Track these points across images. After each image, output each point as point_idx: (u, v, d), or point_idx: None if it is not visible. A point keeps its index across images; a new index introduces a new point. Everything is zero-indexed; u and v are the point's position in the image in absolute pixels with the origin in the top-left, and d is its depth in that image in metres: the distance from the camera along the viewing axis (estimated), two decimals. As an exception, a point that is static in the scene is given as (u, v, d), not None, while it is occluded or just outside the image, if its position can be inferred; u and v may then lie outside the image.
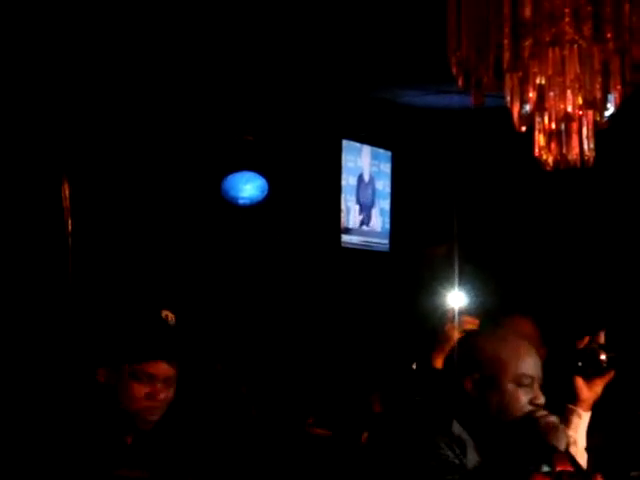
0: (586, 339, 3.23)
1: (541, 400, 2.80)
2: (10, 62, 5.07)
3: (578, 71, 2.18)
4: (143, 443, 3.13)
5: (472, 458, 2.74)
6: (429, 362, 3.60)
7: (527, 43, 2.17)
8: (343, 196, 6.87)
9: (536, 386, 2.82)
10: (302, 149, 6.65)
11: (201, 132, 6.22)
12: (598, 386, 3.20)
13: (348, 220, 6.93)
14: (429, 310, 3.83)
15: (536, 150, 2.29)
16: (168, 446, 3.19)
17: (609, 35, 2.15)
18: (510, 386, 2.78)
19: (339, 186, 6.85)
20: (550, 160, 2.28)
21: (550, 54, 2.18)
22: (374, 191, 7.18)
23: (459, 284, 3.75)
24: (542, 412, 2.78)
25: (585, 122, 2.25)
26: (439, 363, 3.57)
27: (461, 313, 3.61)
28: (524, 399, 2.77)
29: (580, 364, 3.21)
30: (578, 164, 2.27)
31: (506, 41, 2.17)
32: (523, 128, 2.26)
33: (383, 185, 7.24)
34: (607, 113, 2.24)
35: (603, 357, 3.19)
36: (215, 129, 6.29)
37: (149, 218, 5.94)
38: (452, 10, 2.23)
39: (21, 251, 5.28)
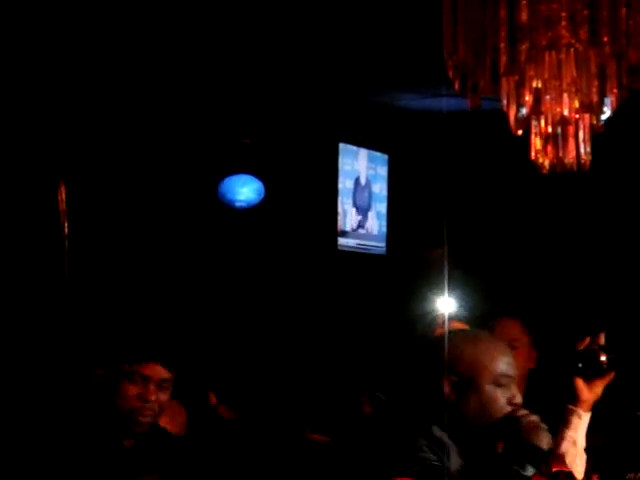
0: (587, 340, 3.23)
1: (519, 399, 2.80)
2: (7, 65, 5.06)
3: (574, 75, 2.19)
4: (142, 447, 3.12)
5: (454, 461, 2.74)
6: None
7: (523, 47, 2.17)
8: (340, 199, 6.87)
9: (513, 386, 2.83)
10: (299, 152, 6.65)
11: (198, 135, 6.22)
12: (598, 387, 3.21)
13: (345, 223, 6.93)
14: (419, 315, 3.83)
15: (532, 153, 2.29)
16: (167, 450, 3.19)
17: (605, 39, 2.15)
18: (488, 387, 2.78)
19: (336, 189, 6.85)
20: (546, 163, 2.28)
21: (546, 58, 2.18)
22: (371, 194, 7.18)
23: (449, 289, 3.75)
24: (522, 411, 2.78)
25: (581, 126, 2.25)
26: None
27: (451, 319, 3.61)
28: (503, 399, 2.78)
29: (580, 365, 3.21)
30: (574, 168, 2.28)
31: (502, 45, 2.18)
32: (519, 131, 2.27)
33: (380, 188, 7.24)
34: (603, 117, 2.25)
35: (603, 358, 3.19)
36: (212, 132, 6.29)
37: (146, 221, 5.94)
38: (448, 13, 2.24)
39: (17, 254, 5.27)
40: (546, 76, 2.19)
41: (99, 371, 3.12)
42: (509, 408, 2.77)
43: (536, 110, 2.23)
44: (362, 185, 7.10)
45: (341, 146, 6.88)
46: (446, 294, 3.71)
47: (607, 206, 6.49)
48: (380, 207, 7.25)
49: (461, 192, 6.77)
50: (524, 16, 2.16)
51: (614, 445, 3.61)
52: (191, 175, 6.20)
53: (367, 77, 6.13)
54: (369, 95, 6.62)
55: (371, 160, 7.17)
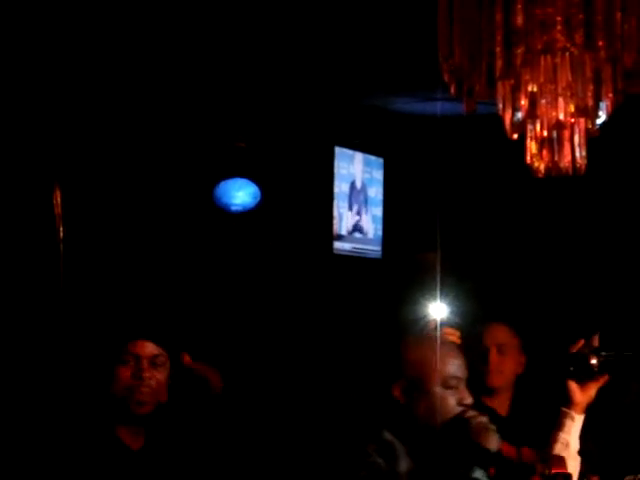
0: (580, 343, 3.24)
1: (469, 400, 2.81)
2: (2, 70, 5.06)
3: (570, 79, 2.19)
4: (150, 449, 3.12)
5: (404, 464, 2.74)
6: None
7: (519, 51, 2.17)
8: (335, 203, 6.87)
9: (463, 387, 2.83)
10: (294, 156, 6.65)
11: (193, 139, 6.22)
12: (591, 389, 3.21)
13: (340, 227, 6.93)
14: (411, 320, 3.83)
15: (528, 158, 2.30)
16: (174, 452, 3.18)
17: (601, 43, 2.16)
18: (438, 389, 2.78)
19: (331, 193, 6.85)
20: (542, 168, 2.29)
21: (542, 62, 2.18)
22: (366, 198, 7.18)
23: (442, 294, 3.75)
24: (472, 413, 2.78)
25: (577, 130, 2.26)
26: None
27: (443, 324, 3.61)
28: (452, 401, 2.78)
29: (572, 368, 3.22)
30: (570, 172, 2.28)
31: (498, 49, 2.18)
32: (515, 135, 2.27)
33: (375, 192, 7.24)
34: (599, 121, 2.25)
35: (594, 361, 3.20)
36: (207, 136, 6.29)
37: (141, 224, 5.93)
38: (443, 17, 2.24)
39: (12, 258, 5.26)
40: (541, 80, 2.19)
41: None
42: (459, 409, 2.77)
43: (531, 114, 2.23)
44: (358, 189, 7.10)
45: (337, 150, 6.88)
46: (438, 299, 3.71)
47: (602, 211, 6.49)
48: (376, 211, 7.25)
49: (456, 196, 6.78)
50: (520, 20, 2.16)
51: (612, 447, 3.62)
52: (187, 179, 6.20)
53: (363, 81, 6.14)
54: (365, 99, 6.62)
55: (367, 164, 7.17)
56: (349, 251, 7.01)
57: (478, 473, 2.73)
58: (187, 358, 3.33)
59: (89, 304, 5.39)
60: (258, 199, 6.44)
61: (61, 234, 5.37)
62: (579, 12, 2.14)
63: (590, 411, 3.25)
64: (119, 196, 5.83)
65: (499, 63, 2.18)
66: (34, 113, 5.35)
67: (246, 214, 6.44)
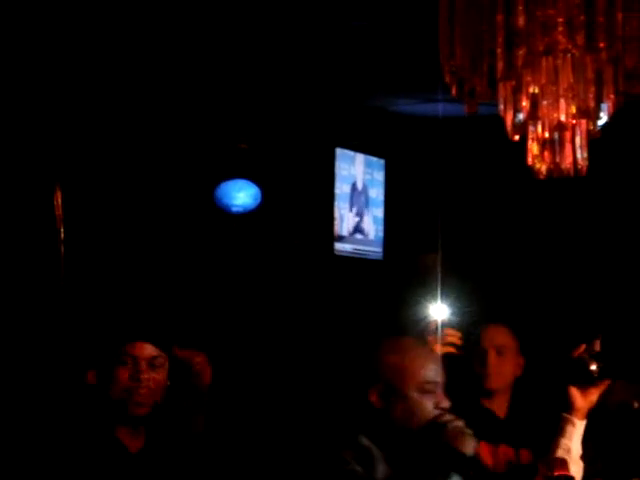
0: (582, 347, 3.23)
1: (446, 404, 2.80)
2: (3, 71, 5.06)
3: (571, 80, 2.19)
4: (149, 452, 3.12)
5: (382, 470, 2.73)
6: None
7: (520, 52, 2.17)
8: (336, 204, 6.87)
9: (440, 391, 2.81)
10: (295, 157, 6.65)
11: (195, 140, 6.22)
12: (593, 395, 3.20)
13: (341, 228, 6.93)
14: (412, 321, 3.82)
15: (529, 159, 2.30)
16: (173, 454, 3.18)
17: (602, 44, 2.16)
18: (414, 394, 2.77)
19: (332, 194, 6.85)
20: (543, 169, 2.29)
21: (543, 63, 2.18)
22: (367, 199, 7.18)
23: (444, 295, 3.74)
24: (448, 417, 2.77)
25: (578, 131, 2.26)
26: None
27: (444, 326, 3.60)
28: (429, 405, 2.77)
29: (571, 374, 3.21)
30: (571, 173, 2.28)
31: (499, 50, 2.18)
32: (516, 137, 2.27)
33: (376, 193, 7.24)
34: (600, 122, 2.25)
35: (593, 367, 3.19)
36: (209, 137, 6.29)
37: (142, 225, 5.93)
38: (445, 19, 2.24)
39: (13, 259, 5.26)
40: (543, 81, 2.19)
41: (92, 372, 3.12)
42: (435, 413, 2.76)
43: (533, 115, 2.23)
44: (359, 190, 7.10)
45: (338, 151, 6.88)
46: (439, 300, 3.71)
47: (603, 212, 6.49)
48: (377, 212, 7.24)
49: (457, 198, 6.78)
50: (521, 21, 2.16)
51: (617, 450, 3.61)
52: (188, 180, 6.20)
53: (364, 82, 6.14)
54: (366, 100, 6.62)
55: (368, 165, 7.17)
56: (350, 252, 7.01)
57: (455, 479, 2.73)
58: (176, 350, 3.32)
59: (89, 305, 5.39)
60: (259, 200, 6.44)
61: (62, 235, 5.37)
62: (580, 13, 2.14)
63: (591, 415, 3.25)
64: (120, 197, 5.82)
65: (500, 64, 2.18)
66: (35, 115, 5.35)
67: (247, 215, 6.44)
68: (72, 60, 5.15)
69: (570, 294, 6.33)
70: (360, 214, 7.11)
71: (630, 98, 2.25)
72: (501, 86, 2.22)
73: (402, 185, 7.27)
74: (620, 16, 2.16)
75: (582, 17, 2.14)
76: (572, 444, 3.16)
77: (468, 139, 6.59)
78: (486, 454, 3.66)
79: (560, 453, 3.14)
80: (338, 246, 6.90)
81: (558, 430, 3.19)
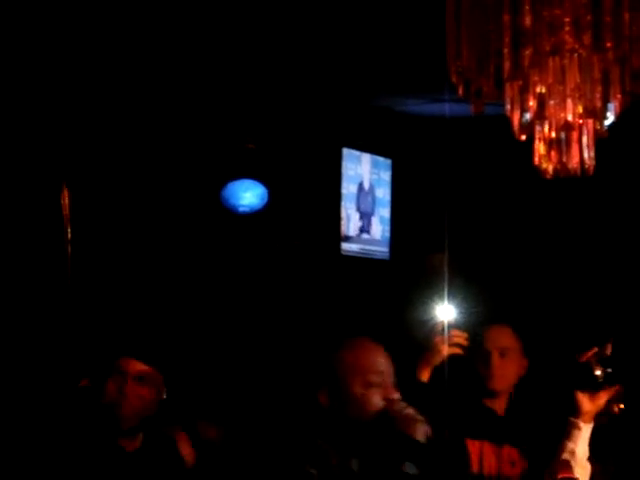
0: (593, 351, 3.22)
1: (394, 395, 2.79)
2: (10, 70, 5.07)
3: (578, 80, 2.19)
4: (144, 451, 3.13)
5: (356, 463, 2.73)
6: (415, 375, 3.58)
7: (527, 52, 2.17)
8: (343, 204, 6.87)
9: (388, 382, 2.81)
10: (302, 157, 6.65)
11: (202, 140, 6.22)
12: (600, 399, 3.20)
13: (348, 228, 6.93)
14: (418, 322, 3.81)
15: (536, 159, 2.29)
16: (170, 454, 3.19)
17: (609, 44, 2.15)
18: (360, 389, 2.78)
19: (339, 194, 6.85)
20: (550, 169, 2.29)
21: (550, 63, 2.18)
22: (374, 199, 7.18)
23: (450, 297, 3.74)
24: (397, 406, 2.76)
25: (585, 131, 2.25)
26: (425, 376, 3.56)
27: (450, 326, 3.60)
28: (376, 398, 2.77)
29: (577, 378, 3.21)
30: (578, 173, 2.28)
31: (506, 50, 2.18)
32: (523, 137, 2.27)
33: (383, 193, 7.24)
34: (607, 122, 2.25)
35: (598, 372, 3.18)
36: (216, 137, 6.29)
37: (148, 225, 5.93)
38: (451, 19, 2.24)
39: (21, 258, 5.27)
40: (550, 81, 2.19)
41: (84, 381, 3.16)
42: (384, 404, 2.76)
43: (540, 115, 2.23)
44: (365, 190, 7.10)
45: (344, 151, 6.88)
46: (446, 301, 3.70)
47: (610, 212, 6.47)
48: (383, 212, 7.24)
49: (464, 198, 6.77)
50: (528, 21, 2.16)
51: (631, 454, 3.61)
52: (194, 180, 6.20)
53: (370, 82, 6.14)
54: (372, 100, 6.62)
55: (374, 165, 7.17)
56: (357, 252, 7.01)
57: (411, 469, 2.72)
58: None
59: (96, 305, 5.40)
60: (265, 200, 6.44)
61: (69, 235, 5.37)
62: (587, 13, 2.14)
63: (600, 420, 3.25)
64: (127, 197, 5.83)
65: (507, 64, 2.18)
66: (42, 115, 5.36)
67: (254, 215, 6.44)
68: (79, 61, 5.16)
69: (579, 295, 6.31)
70: (367, 214, 7.11)
71: (637, 98, 2.24)
72: (508, 86, 2.22)
73: (409, 185, 7.26)
74: (627, 16, 2.16)
75: (589, 17, 2.14)
76: (577, 447, 3.16)
77: (475, 139, 6.59)
78: (490, 455, 3.66)
79: (565, 456, 3.14)
80: (345, 246, 6.90)
81: (564, 433, 3.19)
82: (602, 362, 3.18)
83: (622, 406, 3.29)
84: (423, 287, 4.37)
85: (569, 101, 2.20)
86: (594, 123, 2.24)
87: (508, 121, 2.26)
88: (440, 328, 3.60)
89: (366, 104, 6.68)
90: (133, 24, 4.88)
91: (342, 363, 2.83)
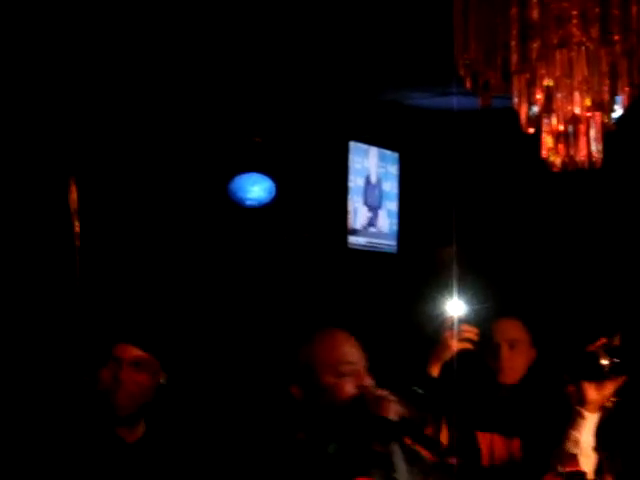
0: (601, 341, 3.23)
1: (367, 382, 2.79)
2: (17, 65, 5.08)
3: (586, 73, 2.19)
4: (146, 443, 3.13)
5: (333, 447, 2.73)
6: (425, 370, 3.59)
7: (535, 45, 2.17)
8: (350, 197, 6.87)
9: (360, 370, 2.81)
10: (309, 151, 6.65)
11: (209, 133, 6.22)
12: (607, 389, 3.20)
13: (355, 221, 6.93)
14: (428, 316, 3.82)
15: (543, 152, 2.30)
16: (170, 446, 3.19)
17: (617, 37, 2.16)
18: (331, 380, 2.78)
19: (346, 187, 6.85)
20: (558, 162, 2.29)
21: (558, 56, 2.18)
22: (381, 192, 7.18)
23: (459, 291, 3.74)
24: (369, 390, 2.76)
25: (593, 124, 2.25)
26: (435, 371, 3.57)
27: (460, 321, 3.60)
28: (349, 387, 2.77)
29: (583, 367, 3.21)
30: (586, 166, 2.28)
31: (513, 43, 2.18)
32: (531, 130, 2.27)
33: (390, 186, 7.24)
34: (615, 115, 2.25)
35: (604, 362, 3.18)
36: (223, 131, 6.29)
37: (156, 219, 5.94)
38: (459, 12, 2.24)
39: (29, 253, 5.28)
40: (557, 74, 2.19)
41: (86, 378, 3.16)
42: (356, 391, 2.76)
43: (547, 108, 2.23)
44: (372, 183, 7.10)
45: (351, 144, 6.88)
46: (455, 295, 3.70)
47: (618, 205, 6.46)
48: (390, 205, 7.24)
49: (471, 191, 6.76)
50: (535, 14, 2.16)
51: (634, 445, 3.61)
52: (202, 173, 6.21)
53: (378, 75, 6.13)
54: (380, 93, 6.61)
55: (381, 158, 7.17)
56: (364, 245, 7.01)
57: (394, 447, 2.73)
58: None
59: (104, 298, 5.41)
60: (273, 194, 6.44)
61: (77, 229, 5.38)
62: (595, 6, 2.14)
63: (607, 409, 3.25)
64: (134, 191, 5.84)
65: (514, 57, 2.18)
66: (50, 109, 5.36)
67: (261, 209, 6.44)
68: (87, 55, 5.16)
69: (588, 288, 6.31)
70: (374, 207, 7.11)
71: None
72: (515, 79, 2.22)
73: (416, 178, 7.26)
74: (635, 9, 2.16)
75: (596, 10, 2.14)
76: (582, 436, 3.16)
77: (482, 132, 6.58)
78: (500, 447, 3.67)
79: (569, 445, 3.15)
80: (352, 239, 6.90)
81: (570, 422, 3.19)
82: (609, 352, 3.19)
83: (614, 398, 3.30)
84: (432, 281, 4.37)
85: (576, 94, 2.20)
86: (602, 116, 2.24)
87: (516, 114, 2.26)
88: (450, 323, 3.61)
89: (373, 97, 6.67)
90: (141, 20, 4.88)
91: (312, 356, 2.82)
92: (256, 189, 6.38)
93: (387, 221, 7.22)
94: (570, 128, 2.25)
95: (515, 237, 6.79)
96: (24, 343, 5.09)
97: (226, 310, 6.11)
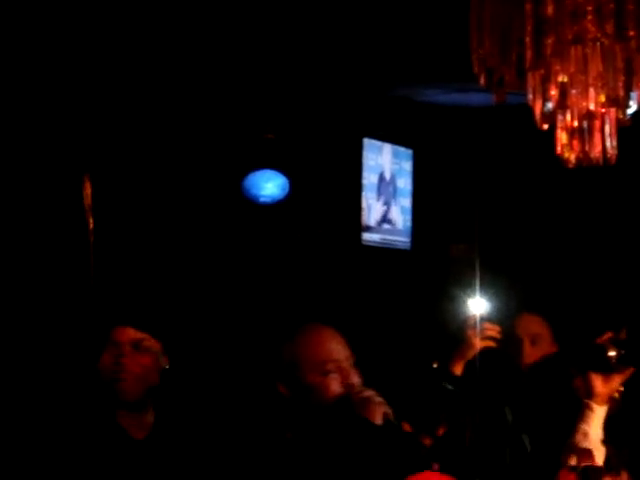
0: (607, 335, 3.23)
1: (353, 379, 2.77)
2: (32, 62, 5.09)
3: (601, 69, 2.18)
4: (154, 439, 3.12)
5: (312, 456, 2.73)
6: (448, 368, 3.59)
7: (549, 41, 2.16)
8: (364, 194, 6.87)
9: (346, 367, 2.79)
10: (323, 147, 6.65)
11: (222, 130, 6.23)
12: (614, 382, 3.21)
13: (369, 218, 6.93)
14: (450, 315, 3.82)
15: (558, 148, 2.29)
16: (179, 442, 3.17)
17: (632, 33, 2.15)
18: (316, 377, 2.77)
19: (360, 184, 6.84)
20: (572, 158, 2.28)
21: (572, 52, 2.17)
22: (395, 189, 7.17)
23: (481, 289, 3.74)
24: (356, 389, 2.74)
25: (608, 120, 2.25)
26: (458, 369, 3.57)
27: (482, 319, 3.60)
28: (335, 385, 2.75)
29: (590, 359, 3.22)
30: (600, 162, 2.27)
31: (528, 39, 2.17)
32: (545, 126, 2.26)
33: (404, 183, 7.24)
34: (630, 111, 2.24)
35: (612, 353, 3.19)
36: (236, 127, 6.30)
37: (170, 216, 5.95)
38: (474, 8, 2.23)
39: (43, 249, 5.30)
40: (572, 70, 2.19)
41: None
42: (342, 390, 2.74)
43: (562, 104, 2.22)
44: (386, 180, 7.09)
45: (365, 141, 6.87)
46: (477, 293, 3.70)
47: (631, 203, 6.44)
48: (404, 202, 7.24)
49: (486, 187, 6.75)
50: (550, 10, 2.15)
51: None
52: (215, 170, 6.21)
53: (391, 72, 6.12)
54: (393, 90, 6.61)
55: (395, 155, 7.16)
56: (378, 242, 7.01)
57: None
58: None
59: (118, 295, 5.42)
60: (287, 191, 6.44)
61: (91, 225, 5.39)
62: (610, 2, 2.13)
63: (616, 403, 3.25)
64: (148, 188, 5.85)
65: (529, 53, 2.18)
66: (64, 106, 5.38)
67: (275, 206, 6.45)
68: (100, 52, 5.17)
69: (601, 282, 6.29)
70: (388, 204, 7.11)
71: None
72: (530, 75, 2.22)
73: (430, 175, 7.26)
74: (650, 4, 2.16)
75: (611, 5, 2.13)
76: (591, 429, 3.17)
77: (497, 129, 6.57)
78: None
79: (577, 437, 3.16)
80: (366, 236, 6.90)
81: (579, 415, 3.20)
82: (616, 344, 3.19)
83: (621, 388, 3.31)
84: (446, 277, 4.38)
85: (591, 90, 2.19)
86: (616, 112, 2.24)
87: (530, 110, 2.25)
88: (472, 322, 3.61)
89: (387, 94, 6.67)
90: (154, 20, 4.89)
91: (296, 354, 2.81)
92: (270, 186, 6.38)
93: (401, 218, 7.22)
94: (585, 124, 2.24)
95: (529, 234, 6.78)
96: (39, 339, 5.11)
97: (240, 307, 6.12)
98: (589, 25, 2.14)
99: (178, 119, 5.94)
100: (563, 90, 2.21)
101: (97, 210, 5.42)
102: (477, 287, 3.71)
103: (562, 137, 2.27)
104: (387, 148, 7.08)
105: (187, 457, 3.14)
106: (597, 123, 2.23)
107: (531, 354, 3.80)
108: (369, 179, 6.93)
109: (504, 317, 3.78)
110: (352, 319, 6.51)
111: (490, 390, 3.64)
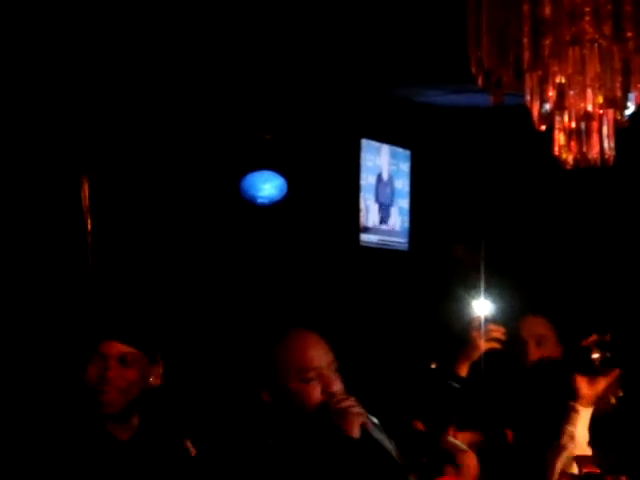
0: (593, 337, 3.24)
1: (335, 387, 2.74)
2: (30, 65, 5.09)
3: (598, 70, 2.18)
4: (140, 439, 3.12)
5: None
6: (452, 369, 3.60)
7: (547, 42, 2.16)
8: (362, 195, 6.87)
9: (327, 374, 2.76)
10: (321, 148, 6.65)
11: (220, 131, 6.23)
12: (600, 384, 3.22)
13: (367, 219, 6.93)
14: (454, 316, 3.82)
15: (556, 149, 2.29)
16: (164, 442, 3.17)
17: (629, 34, 2.15)
18: (296, 385, 2.74)
19: (358, 185, 6.85)
20: (570, 159, 2.28)
21: (570, 53, 2.18)
22: (393, 190, 7.17)
23: (485, 291, 3.74)
24: (336, 398, 2.72)
25: (605, 121, 2.25)
26: (463, 371, 3.58)
27: (487, 321, 3.61)
28: (316, 392, 2.73)
29: (575, 362, 3.23)
30: (598, 163, 2.27)
31: (526, 40, 2.17)
32: (543, 127, 2.26)
33: (402, 184, 7.24)
34: (627, 112, 2.24)
35: (595, 356, 3.20)
36: (234, 128, 6.30)
37: (167, 217, 5.95)
38: (472, 9, 2.23)
39: (41, 250, 5.30)
40: (570, 71, 2.19)
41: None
42: (323, 397, 2.73)
43: (560, 105, 2.22)
44: (384, 181, 7.09)
45: (363, 142, 6.88)
46: (482, 295, 3.71)
47: (629, 204, 6.45)
48: (402, 203, 7.24)
49: (484, 189, 6.76)
50: (547, 11, 2.15)
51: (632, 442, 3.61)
52: (213, 171, 6.21)
53: (389, 73, 6.13)
54: (391, 91, 6.61)
55: (393, 156, 7.17)
56: (376, 243, 7.01)
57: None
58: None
59: (116, 296, 5.42)
60: (284, 192, 6.44)
61: (89, 226, 5.39)
62: (607, 3, 2.13)
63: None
64: (146, 189, 5.85)
65: (527, 54, 2.18)
66: (62, 108, 5.37)
67: (272, 207, 6.45)
68: (98, 53, 5.17)
69: (603, 284, 6.29)
70: (386, 205, 7.11)
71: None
72: (527, 76, 2.22)
73: (428, 176, 7.26)
74: (648, 5, 2.16)
75: (609, 6, 2.13)
76: (576, 431, 3.18)
77: (494, 130, 6.57)
78: None
79: (565, 439, 3.17)
80: (364, 237, 6.90)
81: (565, 417, 3.21)
82: (601, 347, 3.20)
83: (621, 393, 3.32)
84: (445, 278, 4.38)
85: (589, 91, 2.19)
86: (614, 113, 2.24)
87: (528, 111, 2.25)
88: (477, 323, 3.61)
89: (385, 95, 6.67)
90: (153, 21, 4.89)
91: (278, 359, 2.79)
92: (268, 187, 6.38)
93: (399, 219, 7.22)
94: (582, 125, 2.24)
95: (528, 235, 6.78)
96: (35, 341, 5.11)
97: (237, 309, 6.12)
98: (587, 26, 2.14)
99: (176, 120, 5.94)
100: (561, 91, 2.21)
101: (95, 211, 5.42)
102: (482, 288, 3.71)
103: (560, 138, 2.27)
104: (385, 149, 7.09)
105: (171, 459, 3.14)
106: (595, 124, 2.24)
107: (536, 355, 3.81)
108: (367, 180, 6.93)
109: (509, 318, 3.78)
110: (350, 320, 6.51)
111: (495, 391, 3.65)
